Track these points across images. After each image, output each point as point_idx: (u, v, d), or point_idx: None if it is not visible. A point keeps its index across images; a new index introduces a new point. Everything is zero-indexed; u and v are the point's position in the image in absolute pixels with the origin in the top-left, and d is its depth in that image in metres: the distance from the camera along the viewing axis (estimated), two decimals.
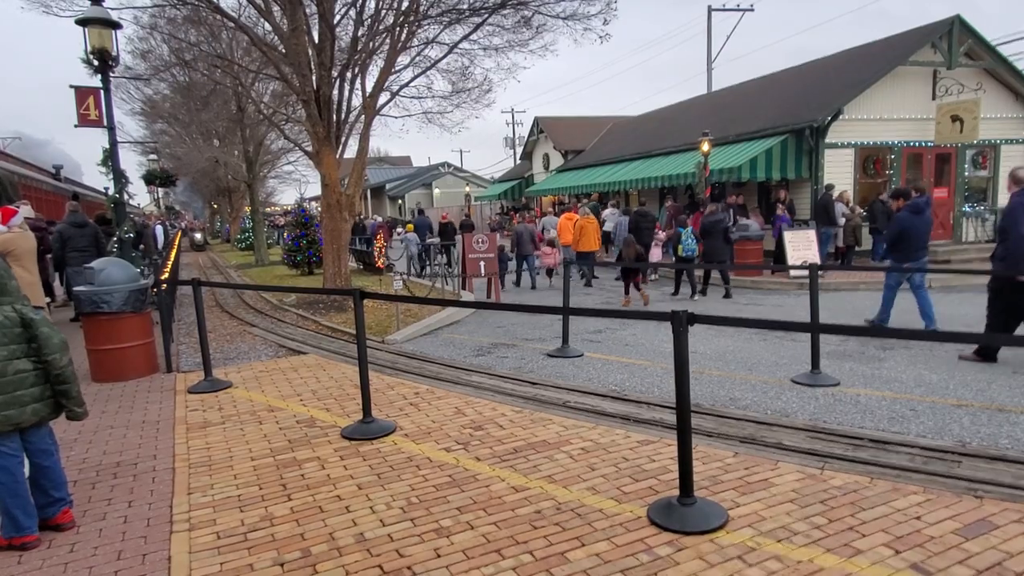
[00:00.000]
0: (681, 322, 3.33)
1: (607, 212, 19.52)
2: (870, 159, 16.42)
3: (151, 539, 3.55)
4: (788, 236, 13.75)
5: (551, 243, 15.95)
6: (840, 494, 3.70)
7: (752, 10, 30.01)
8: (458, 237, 14.79)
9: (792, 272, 13.29)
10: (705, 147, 15.35)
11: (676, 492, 3.61)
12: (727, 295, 12.06)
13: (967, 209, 16.94)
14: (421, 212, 26.25)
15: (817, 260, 13.04)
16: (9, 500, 3.47)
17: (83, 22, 7.69)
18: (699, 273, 12.74)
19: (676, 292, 12.63)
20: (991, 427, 4.94)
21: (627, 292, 11.67)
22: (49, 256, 10.73)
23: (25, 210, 9.11)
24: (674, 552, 3.19)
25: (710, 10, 29.94)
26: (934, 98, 16.25)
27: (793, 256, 13.40)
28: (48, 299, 9.94)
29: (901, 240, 8.39)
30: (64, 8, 9.18)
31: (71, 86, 8.03)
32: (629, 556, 3.16)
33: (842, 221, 14.55)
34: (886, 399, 5.70)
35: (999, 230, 7.05)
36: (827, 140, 15.63)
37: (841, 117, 15.36)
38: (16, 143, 32.85)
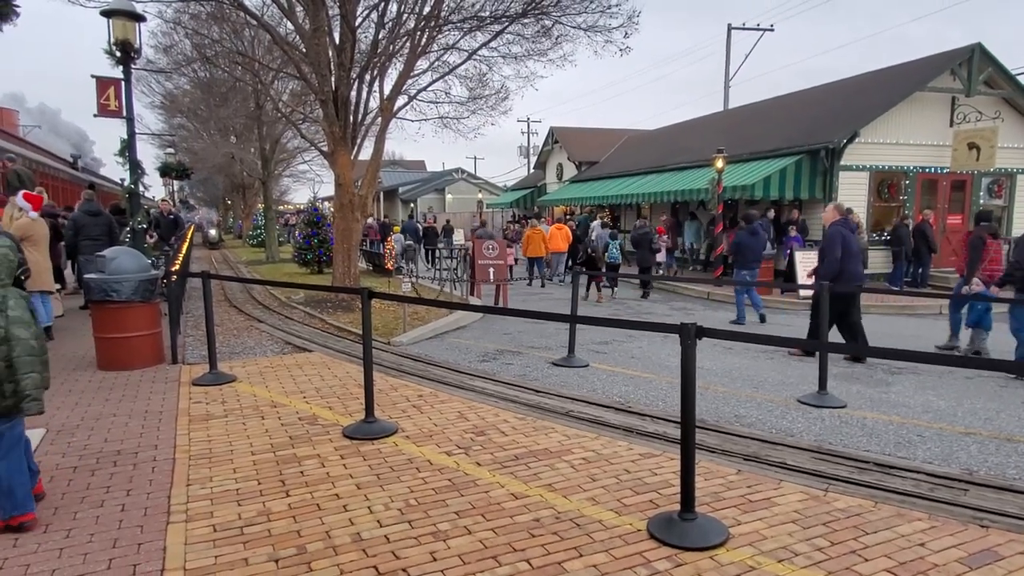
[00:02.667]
0: (689, 335, 3.31)
1: (594, 224, 20.80)
2: (884, 183, 16.34)
3: (147, 528, 3.54)
4: (799, 256, 13.69)
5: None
6: (843, 517, 3.65)
7: (772, 30, 30.02)
8: (455, 239, 16.85)
9: (802, 292, 13.20)
10: (719, 164, 15.33)
11: (677, 507, 3.57)
12: (645, 296, 14.83)
13: None
14: (411, 217, 29.24)
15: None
16: (17, 477, 3.49)
17: (108, 13, 7.77)
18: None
19: (612, 292, 15.06)
20: (999, 456, 4.87)
21: (587, 289, 14.25)
22: (62, 244, 10.81)
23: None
24: (673, 567, 3.15)
25: (730, 28, 29.96)
26: (951, 125, 16.18)
27: (804, 276, 13.32)
28: (58, 286, 10.00)
29: (739, 253, 11.36)
30: None
31: (93, 76, 8.11)
32: (627, 569, 3.13)
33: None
34: (893, 423, 5.64)
35: (819, 251, 8.46)
36: (842, 162, 15.58)
37: (857, 140, 15.31)
38: (36, 131, 33.19)
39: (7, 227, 7.53)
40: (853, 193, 15.75)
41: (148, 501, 3.87)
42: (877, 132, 15.67)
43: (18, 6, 4.22)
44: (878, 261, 15.46)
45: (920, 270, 15.13)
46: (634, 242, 15.27)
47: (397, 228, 22.64)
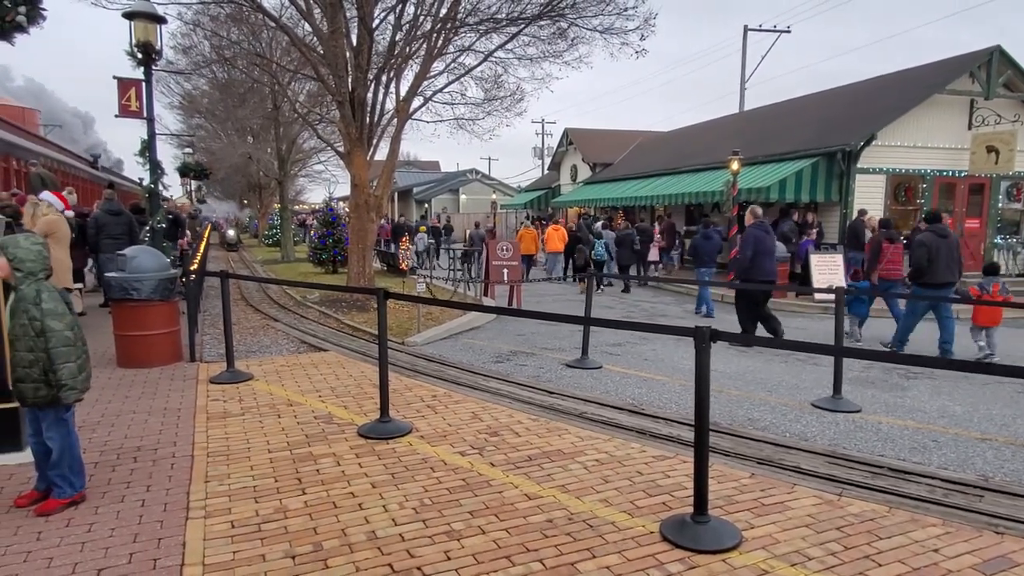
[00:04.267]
0: (704, 338, 3.32)
1: (597, 225, 21.32)
2: (901, 186, 16.20)
3: (167, 524, 3.60)
4: (814, 259, 13.59)
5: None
6: (857, 521, 3.65)
7: (789, 31, 29.82)
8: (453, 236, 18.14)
9: (817, 296, 13.11)
10: (735, 166, 15.26)
11: (690, 509, 3.59)
12: (626, 291, 16.16)
13: (999, 241, 16.64)
14: (423, 217, 30.83)
15: (843, 284, 12.87)
16: (73, 464, 3.75)
17: (130, 16, 7.89)
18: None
19: (599, 288, 16.01)
20: (1015, 463, 4.84)
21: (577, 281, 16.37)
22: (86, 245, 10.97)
23: (72, 197, 9.33)
24: (685, 570, 3.16)
25: (746, 30, 29.80)
26: (970, 128, 16.01)
27: (819, 280, 13.22)
28: (79, 285, 10.15)
29: (695, 254, 12.97)
30: (112, 1, 9.41)
31: (115, 77, 8.24)
32: (639, 571, 3.15)
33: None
34: (908, 428, 5.61)
35: (735, 251, 9.92)
36: (859, 165, 15.46)
37: (874, 142, 15.19)
38: (57, 131, 33.65)
39: (30, 226, 7.67)
40: (870, 196, 15.63)
41: (168, 497, 3.94)
42: (895, 135, 15.54)
43: (45, 9, 4.31)
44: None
45: None
46: (616, 242, 16.88)
47: (423, 228, 23.92)
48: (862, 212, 14.75)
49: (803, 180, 15.81)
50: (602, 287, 16.33)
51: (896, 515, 3.74)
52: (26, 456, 4.20)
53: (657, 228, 20.05)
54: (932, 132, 15.91)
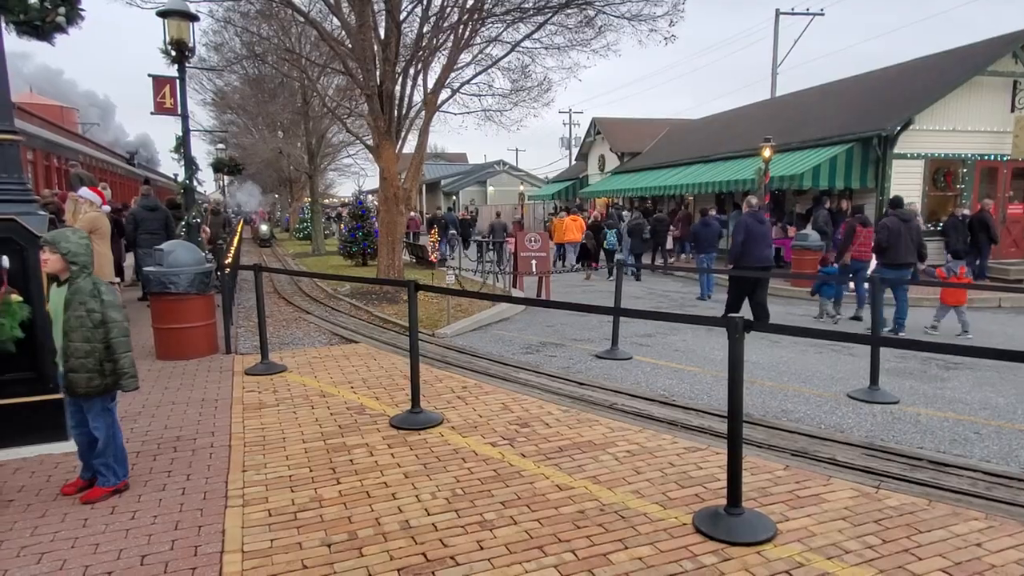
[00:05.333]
0: (737, 329, 3.28)
1: (624, 214, 22.61)
2: (941, 171, 15.78)
3: (206, 512, 3.69)
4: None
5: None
6: (896, 515, 3.59)
7: (822, 14, 29.16)
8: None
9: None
10: (767, 153, 15.01)
11: (723, 501, 3.56)
12: (637, 278, 16.62)
13: None
14: (451, 209, 31.53)
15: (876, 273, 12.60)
16: (117, 453, 3.88)
17: (164, 14, 8.02)
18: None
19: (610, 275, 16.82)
20: None
21: (585, 268, 17.20)
22: (123, 239, 11.23)
23: (106, 193, 9.54)
24: (719, 562, 3.14)
25: (778, 13, 29.20)
26: (1013, 110, 15.51)
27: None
28: (118, 279, 10.41)
29: (695, 241, 14.07)
30: (146, 0, 9.58)
31: (150, 75, 8.40)
32: (673, 562, 3.13)
33: None
34: (948, 420, 5.49)
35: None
36: (896, 150, 15.09)
37: (912, 127, 14.81)
38: (95, 128, 34.45)
39: (71, 221, 7.88)
40: (907, 182, 15.26)
41: (207, 486, 4.03)
42: (933, 119, 15.13)
43: (83, 10, 4.41)
44: (933, 253, 14.92)
45: (979, 261, 14.57)
46: (629, 231, 17.47)
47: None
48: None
49: (837, 167, 15.49)
50: (610, 276, 16.95)
51: (936, 508, 3.66)
52: (70, 445, 4.33)
53: (677, 217, 20.74)
54: (973, 115, 15.45)
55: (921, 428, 5.30)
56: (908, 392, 6.31)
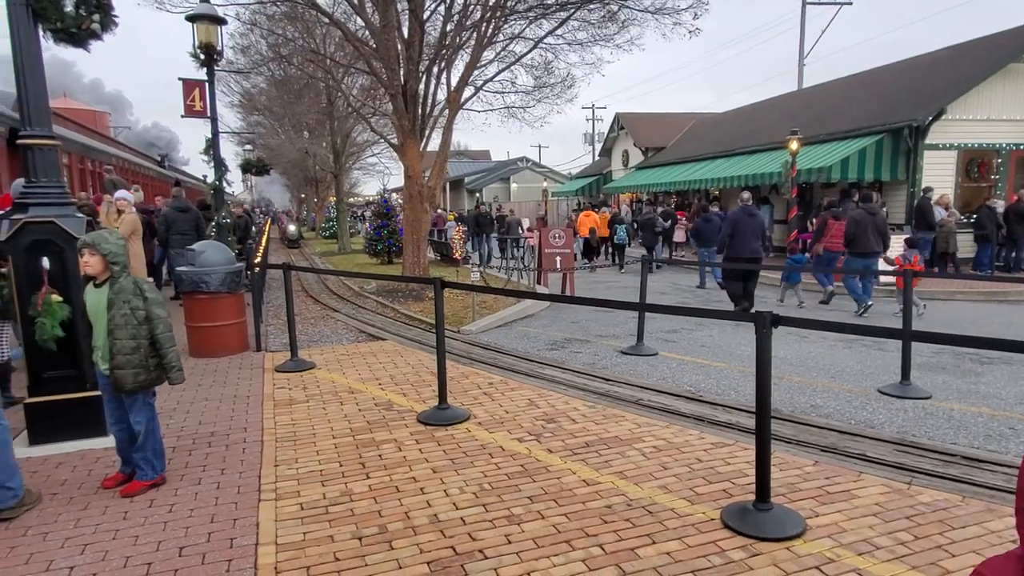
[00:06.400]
0: (765, 323, 3.27)
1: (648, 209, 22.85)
2: (974, 162, 15.45)
3: (241, 505, 3.77)
4: None
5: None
6: (928, 511, 3.54)
7: (850, 3, 28.64)
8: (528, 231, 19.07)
9: (881, 278, 12.66)
10: (794, 146, 14.80)
11: (751, 497, 3.55)
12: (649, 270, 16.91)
13: None
14: (477, 206, 30.41)
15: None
16: (156, 447, 3.98)
17: (192, 18, 8.18)
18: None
19: (621, 267, 17.83)
20: None
21: (590, 260, 18.33)
22: (155, 239, 11.47)
23: (137, 195, 9.77)
24: (748, 557, 3.14)
25: (804, 3, 28.77)
26: None
27: (883, 262, 12.74)
28: (150, 279, 10.64)
29: (697, 236, 14.59)
30: (175, 4, 9.76)
31: (180, 79, 8.56)
32: (701, 557, 3.14)
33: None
34: (983, 415, 5.39)
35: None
36: (927, 141, 14.81)
37: (944, 117, 14.51)
38: (126, 132, 35.16)
39: (106, 223, 8.08)
40: (939, 174, 14.97)
41: (240, 480, 4.13)
42: (966, 108, 14.81)
43: (117, 16, 4.52)
44: (965, 245, 14.63)
45: (1014, 253, 14.25)
46: (640, 226, 18.15)
47: (453, 215, 25.59)
48: (927, 191, 14.14)
49: (867, 158, 15.24)
50: (623, 268, 17.92)
51: (970, 505, 3.61)
52: (109, 441, 4.46)
53: (681, 211, 21.76)
54: (1008, 103, 15.09)
55: (954, 424, 5.22)
56: (941, 387, 6.21)
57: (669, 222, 18.71)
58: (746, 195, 10.65)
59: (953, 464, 4.26)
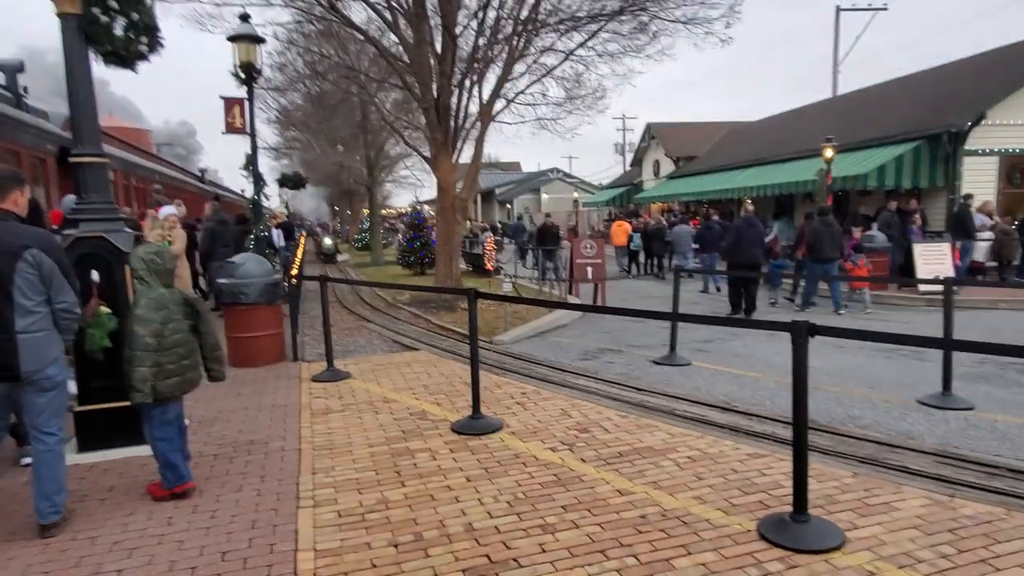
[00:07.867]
0: (801, 333, 3.25)
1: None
2: (1017, 168, 15.04)
3: (280, 512, 3.86)
4: (918, 249, 12.83)
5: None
6: (971, 524, 3.47)
7: (885, 8, 28.21)
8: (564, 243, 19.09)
9: (921, 287, 12.38)
10: (828, 153, 14.58)
11: (788, 508, 3.51)
12: (660, 276, 17.85)
13: None
14: (519, 218, 30.38)
15: (951, 275, 12.09)
16: (172, 455, 4.03)
17: (234, 39, 8.43)
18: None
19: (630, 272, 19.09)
20: None
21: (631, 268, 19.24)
22: (196, 252, 11.77)
23: (180, 210, 10.05)
24: (785, 569, 3.11)
25: (838, 9, 28.40)
26: None
27: (924, 271, 12.49)
28: (195, 291, 10.92)
29: (700, 243, 15.95)
30: (216, 25, 10.06)
31: (221, 96, 8.82)
32: (737, 569, 3.12)
33: (986, 234, 13.43)
34: None
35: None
36: (967, 147, 14.48)
37: (984, 122, 14.19)
38: (167, 148, 36.14)
39: (149, 237, 8.33)
40: (980, 180, 14.62)
41: (279, 487, 4.22)
42: (1008, 112, 14.45)
43: (163, 37, 4.70)
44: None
45: None
46: (649, 235, 18.56)
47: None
48: (967, 198, 13.80)
49: (904, 165, 14.95)
50: (638, 274, 19.00)
51: (1015, 518, 3.52)
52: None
53: (695, 220, 21.66)
54: None
55: (998, 435, 5.09)
56: (983, 397, 6.06)
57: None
58: (750, 205, 11.82)
59: (997, 476, 4.16)
